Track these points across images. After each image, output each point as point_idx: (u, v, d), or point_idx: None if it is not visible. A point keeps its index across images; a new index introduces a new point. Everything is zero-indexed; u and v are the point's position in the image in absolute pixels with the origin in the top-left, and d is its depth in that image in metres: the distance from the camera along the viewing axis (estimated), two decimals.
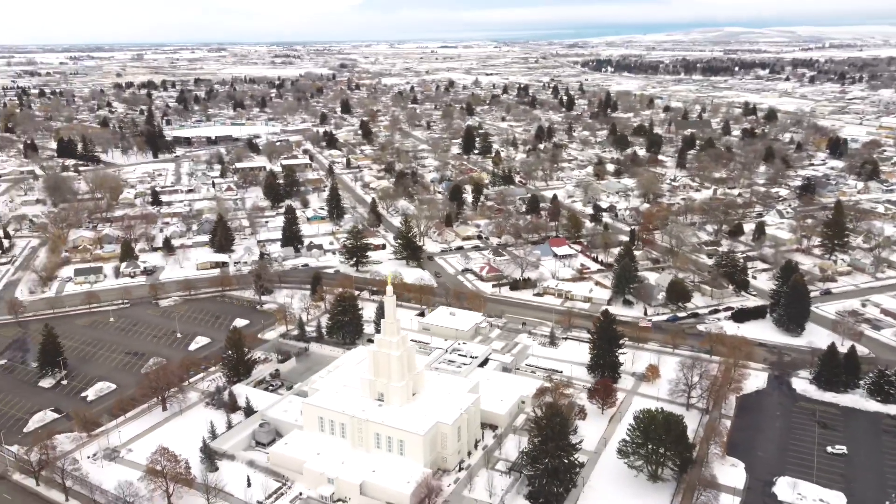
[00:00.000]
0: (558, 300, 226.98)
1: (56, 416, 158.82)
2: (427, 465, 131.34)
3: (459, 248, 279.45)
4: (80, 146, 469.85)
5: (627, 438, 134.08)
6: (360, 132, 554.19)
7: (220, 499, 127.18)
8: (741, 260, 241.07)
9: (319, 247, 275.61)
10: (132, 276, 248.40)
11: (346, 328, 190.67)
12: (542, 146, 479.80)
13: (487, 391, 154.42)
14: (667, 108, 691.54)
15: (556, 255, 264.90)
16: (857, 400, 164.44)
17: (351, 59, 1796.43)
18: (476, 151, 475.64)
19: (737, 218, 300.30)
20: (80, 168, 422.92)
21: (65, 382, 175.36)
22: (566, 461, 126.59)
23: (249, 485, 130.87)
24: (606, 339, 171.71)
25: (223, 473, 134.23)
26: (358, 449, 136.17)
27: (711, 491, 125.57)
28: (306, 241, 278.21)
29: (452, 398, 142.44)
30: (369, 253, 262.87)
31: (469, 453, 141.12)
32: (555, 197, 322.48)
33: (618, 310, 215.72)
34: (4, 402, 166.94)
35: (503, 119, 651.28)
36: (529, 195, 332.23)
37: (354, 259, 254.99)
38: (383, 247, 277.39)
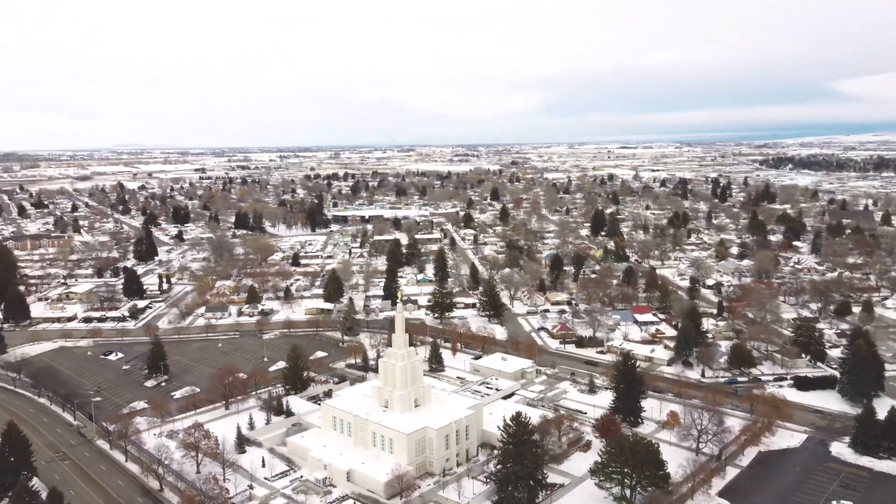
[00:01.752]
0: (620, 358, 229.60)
1: (145, 406, 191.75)
2: (411, 464, 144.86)
3: (545, 311, 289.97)
4: (251, 220, 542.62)
5: (602, 460, 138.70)
6: (499, 215, 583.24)
7: (237, 473, 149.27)
8: (819, 331, 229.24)
9: (415, 302, 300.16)
10: (250, 316, 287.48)
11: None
12: (671, 230, 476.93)
13: (497, 417, 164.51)
14: (831, 202, 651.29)
15: (636, 321, 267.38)
16: (894, 466, 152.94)
17: (525, 157, 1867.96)
18: (603, 234, 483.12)
19: (850, 298, 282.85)
20: (245, 235, 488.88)
21: (164, 385, 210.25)
22: (529, 468, 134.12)
23: (263, 465, 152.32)
24: (626, 382, 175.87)
25: (248, 456, 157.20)
26: (358, 445, 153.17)
27: None
28: (404, 297, 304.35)
29: (450, 412, 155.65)
30: (456, 309, 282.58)
31: (459, 464, 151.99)
32: (653, 269, 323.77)
33: (674, 369, 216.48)
34: (115, 392, 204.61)
35: (647, 207, 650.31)
36: (626, 267, 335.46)
37: (439, 312, 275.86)
38: (473, 305, 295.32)
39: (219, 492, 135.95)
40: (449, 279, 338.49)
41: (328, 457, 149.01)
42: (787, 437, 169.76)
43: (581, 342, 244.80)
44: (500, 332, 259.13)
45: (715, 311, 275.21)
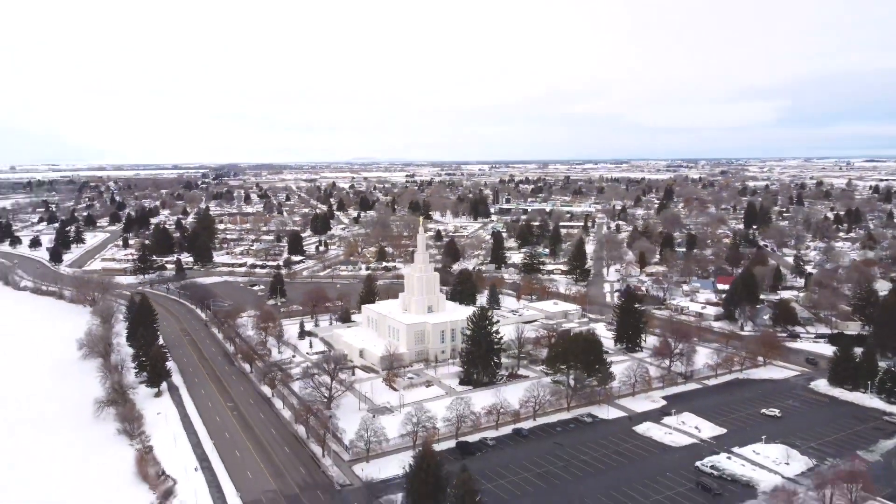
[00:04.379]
0: (673, 312, 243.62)
1: (255, 312, 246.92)
2: (410, 350, 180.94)
3: (630, 277, 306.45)
4: (421, 208, 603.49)
5: (550, 353, 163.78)
6: (657, 210, 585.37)
7: (291, 349, 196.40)
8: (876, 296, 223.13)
9: (513, 264, 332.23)
10: (374, 270, 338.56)
11: (463, 295, 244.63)
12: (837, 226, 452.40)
13: (508, 331, 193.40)
14: None
15: (715, 289, 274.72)
16: (860, 397, 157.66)
17: (744, 168, 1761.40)
18: (754, 226, 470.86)
19: None
20: (405, 217, 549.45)
21: (279, 303, 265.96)
22: (485, 350, 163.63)
23: (311, 346, 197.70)
24: (626, 316, 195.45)
25: (305, 341, 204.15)
26: (380, 336, 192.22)
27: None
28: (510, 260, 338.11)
29: (451, 316, 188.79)
30: (550, 273, 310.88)
31: (453, 357, 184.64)
32: (759, 248, 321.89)
33: (720, 324, 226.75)
34: (243, 305, 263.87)
35: (831, 209, 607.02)
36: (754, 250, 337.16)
37: (529, 271, 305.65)
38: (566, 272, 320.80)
39: (263, 351, 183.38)
40: (561, 253, 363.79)
41: (352, 341, 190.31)
42: (776, 372, 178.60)
43: (641, 300, 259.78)
44: (574, 289, 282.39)
45: (803, 284, 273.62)
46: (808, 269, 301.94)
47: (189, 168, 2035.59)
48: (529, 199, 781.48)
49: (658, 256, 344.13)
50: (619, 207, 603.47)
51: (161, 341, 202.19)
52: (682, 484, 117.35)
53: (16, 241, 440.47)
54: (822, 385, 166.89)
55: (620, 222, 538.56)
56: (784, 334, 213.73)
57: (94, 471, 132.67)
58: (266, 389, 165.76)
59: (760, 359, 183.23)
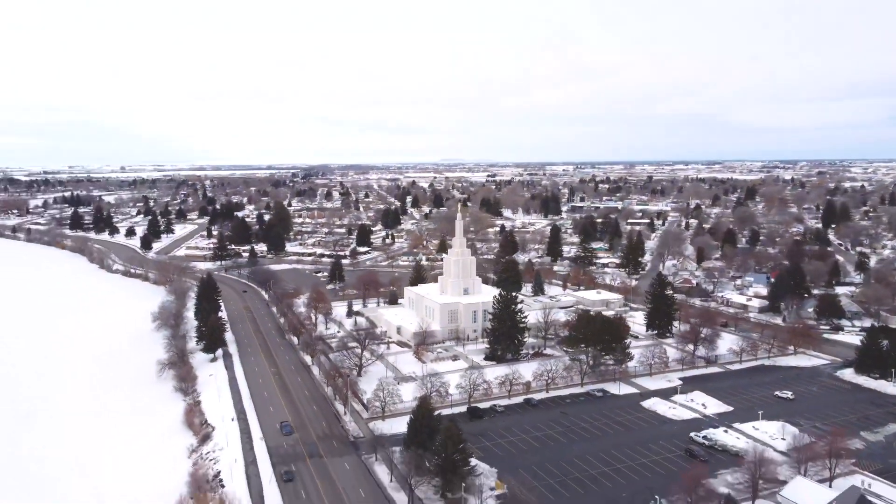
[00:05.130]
0: (719, 304, 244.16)
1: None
2: (443, 327, 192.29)
3: (684, 270, 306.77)
4: (491, 205, 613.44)
5: (570, 333, 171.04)
6: (733, 208, 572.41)
7: (334, 324, 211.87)
8: None
9: (570, 257, 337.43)
10: (433, 261, 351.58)
11: (508, 283, 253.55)
12: None
13: (535, 311, 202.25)
14: None
15: (769, 283, 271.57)
16: (884, 385, 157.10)
17: (846, 168, 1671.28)
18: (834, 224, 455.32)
19: None
20: (474, 212, 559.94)
21: (337, 287, 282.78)
22: (508, 328, 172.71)
23: (356, 323, 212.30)
24: (657, 300, 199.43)
25: (351, 319, 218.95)
26: (418, 316, 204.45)
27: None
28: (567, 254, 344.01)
29: (484, 298, 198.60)
30: (599, 262, 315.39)
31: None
32: (828, 245, 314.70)
33: (763, 315, 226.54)
34: (305, 288, 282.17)
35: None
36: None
37: (582, 263, 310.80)
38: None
39: (310, 326, 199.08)
40: (619, 247, 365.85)
41: (392, 319, 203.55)
42: (805, 360, 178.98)
43: (690, 292, 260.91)
44: (619, 279, 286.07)
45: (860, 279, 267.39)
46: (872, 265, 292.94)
47: (282, 168, 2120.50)
48: (605, 198, 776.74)
49: (719, 252, 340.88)
50: (694, 206, 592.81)
51: (224, 315, 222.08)
52: (672, 451, 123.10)
53: (114, 230, 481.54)
54: (847, 373, 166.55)
55: (693, 220, 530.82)
56: (827, 326, 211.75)
57: (151, 419, 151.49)
58: (307, 358, 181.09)
59: (791, 348, 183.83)
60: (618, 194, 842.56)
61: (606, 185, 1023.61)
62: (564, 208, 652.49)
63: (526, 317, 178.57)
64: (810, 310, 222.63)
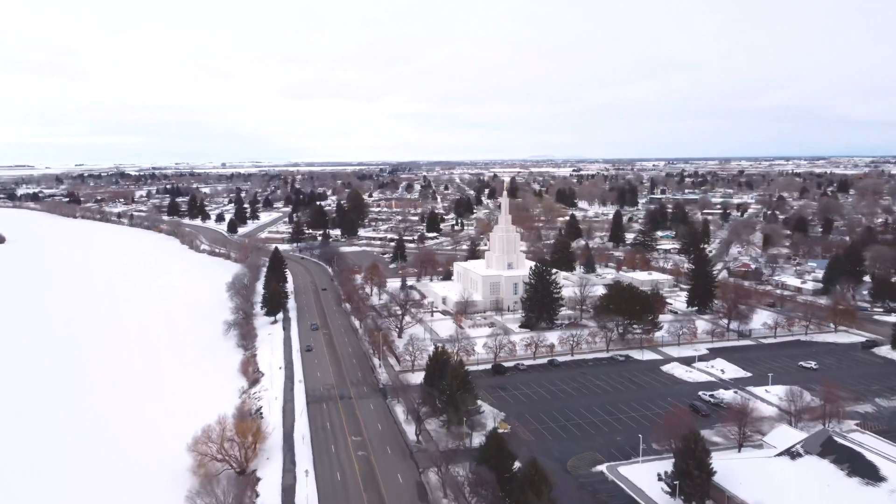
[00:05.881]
0: (773, 287, 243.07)
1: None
2: (485, 298, 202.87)
3: (744, 255, 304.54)
4: (566, 196, 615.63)
5: (600, 303, 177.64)
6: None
7: (387, 294, 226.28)
8: None
9: (634, 243, 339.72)
10: None
11: (560, 263, 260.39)
12: None
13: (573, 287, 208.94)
14: None
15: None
16: None
17: None
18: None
19: None
20: (548, 203, 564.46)
21: (399, 266, 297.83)
22: (542, 296, 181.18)
23: (408, 294, 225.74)
24: (697, 277, 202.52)
25: (404, 291, 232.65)
26: (463, 288, 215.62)
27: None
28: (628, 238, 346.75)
29: (526, 272, 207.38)
30: (660, 248, 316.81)
31: None
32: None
33: (813, 296, 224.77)
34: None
35: None
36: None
37: (641, 248, 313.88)
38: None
39: (364, 295, 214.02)
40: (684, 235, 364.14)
41: (439, 291, 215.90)
42: (844, 337, 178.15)
43: (746, 275, 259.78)
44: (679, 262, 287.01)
45: None
46: None
47: (372, 165, 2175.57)
48: (687, 191, 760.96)
49: (788, 240, 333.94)
50: (777, 197, 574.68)
51: (290, 287, 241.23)
52: (677, 407, 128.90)
53: (206, 216, 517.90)
54: (884, 350, 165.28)
55: (776, 211, 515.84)
56: (881, 309, 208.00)
57: (213, 367, 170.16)
58: (356, 322, 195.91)
59: (832, 325, 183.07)
60: (702, 187, 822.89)
61: (691, 179, 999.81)
62: (642, 200, 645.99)
63: (560, 287, 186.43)
64: (865, 292, 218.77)
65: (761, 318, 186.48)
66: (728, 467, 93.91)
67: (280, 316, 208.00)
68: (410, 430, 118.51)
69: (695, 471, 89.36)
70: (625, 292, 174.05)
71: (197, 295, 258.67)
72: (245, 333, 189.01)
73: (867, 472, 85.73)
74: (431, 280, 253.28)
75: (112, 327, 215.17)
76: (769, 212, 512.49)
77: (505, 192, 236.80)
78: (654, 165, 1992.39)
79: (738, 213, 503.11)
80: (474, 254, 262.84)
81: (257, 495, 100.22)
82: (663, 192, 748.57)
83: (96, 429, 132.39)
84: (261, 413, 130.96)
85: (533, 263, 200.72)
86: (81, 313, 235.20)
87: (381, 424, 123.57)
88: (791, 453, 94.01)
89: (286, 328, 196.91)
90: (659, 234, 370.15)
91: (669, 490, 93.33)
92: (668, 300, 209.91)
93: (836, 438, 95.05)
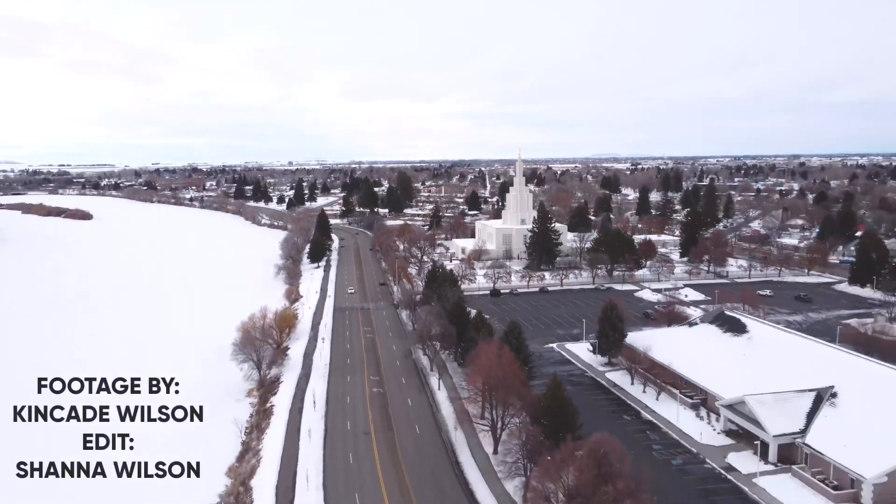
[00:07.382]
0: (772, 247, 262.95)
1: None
2: (497, 248, 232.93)
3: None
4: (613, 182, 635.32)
5: (594, 245, 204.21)
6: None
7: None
8: None
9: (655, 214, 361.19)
10: None
11: (577, 225, 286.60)
12: None
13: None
14: None
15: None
16: (868, 292, 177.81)
17: None
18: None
19: None
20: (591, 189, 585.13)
21: (434, 231, 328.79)
22: (544, 243, 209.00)
23: (434, 249, 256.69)
24: (689, 229, 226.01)
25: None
26: (484, 241, 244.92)
27: None
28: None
29: None
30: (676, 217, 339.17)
31: None
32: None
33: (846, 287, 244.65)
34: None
35: None
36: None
37: (665, 216, 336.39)
38: None
39: (393, 246, 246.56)
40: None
41: (460, 244, 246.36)
42: (814, 278, 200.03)
43: (752, 239, 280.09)
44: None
45: None
46: None
47: (432, 162, 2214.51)
48: (736, 179, 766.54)
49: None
50: (820, 181, 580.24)
51: (335, 245, 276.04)
52: (634, 314, 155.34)
53: (268, 199, 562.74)
54: (843, 286, 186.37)
55: (808, 193, 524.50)
56: None
57: (266, 295, 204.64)
58: (384, 265, 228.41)
59: (806, 270, 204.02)
60: (756, 177, 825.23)
61: (743, 170, 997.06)
62: (687, 185, 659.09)
63: (559, 234, 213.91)
64: (852, 248, 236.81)
65: (744, 266, 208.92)
66: (646, 335, 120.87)
67: (322, 262, 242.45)
68: (411, 326, 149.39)
69: (609, 332, 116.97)
70: (613, 237, 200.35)
71: (255, 253, 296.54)
72: (291, 273, 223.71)
73: (737, 328, 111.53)
74: (458, 238, 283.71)
75: (186, 272, 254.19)
76: (808, 193, 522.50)
77: (519, 155, 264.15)
78: (717, 161, 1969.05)
79: (777, 196, 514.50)
80: (498, 215, 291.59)
81: (287, 357, 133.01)
82: (712, 180, 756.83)
83: (179, 323, 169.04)
84: (297, 315, 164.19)
85: (537, 210, 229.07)
86: (164, 262, 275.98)
87: (388, 322, 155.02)
88: (690, 323, 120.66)
89: (326, 270, 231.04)
90: (679, 207, 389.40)
91: (591, 349, 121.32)
92: (665, 252, 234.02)
93: (727, 312, 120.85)
